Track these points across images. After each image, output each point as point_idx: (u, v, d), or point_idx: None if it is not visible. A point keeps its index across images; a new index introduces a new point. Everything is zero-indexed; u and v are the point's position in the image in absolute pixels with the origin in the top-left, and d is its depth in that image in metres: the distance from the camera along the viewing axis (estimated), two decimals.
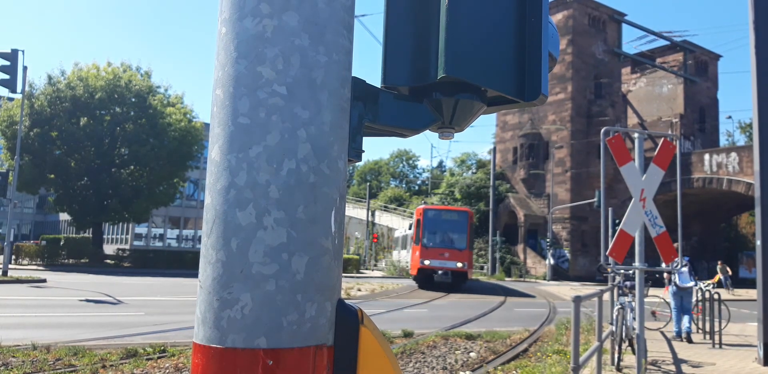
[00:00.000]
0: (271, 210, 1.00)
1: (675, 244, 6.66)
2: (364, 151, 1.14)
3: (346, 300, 1.12)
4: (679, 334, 10.51)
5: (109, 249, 36.66)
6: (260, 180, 1.00)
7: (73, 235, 37.92)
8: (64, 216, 44.08)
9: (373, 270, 44.10)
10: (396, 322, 11.76)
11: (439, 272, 23.27)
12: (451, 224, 24.65)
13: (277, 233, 1.00)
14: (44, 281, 19.75)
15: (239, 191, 1.00)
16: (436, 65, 1.13)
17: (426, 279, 23.95)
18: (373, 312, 13.44)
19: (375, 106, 1.18)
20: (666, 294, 11.41)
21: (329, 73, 1.05)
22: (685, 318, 10.48)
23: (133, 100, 31.34)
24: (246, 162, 1.01)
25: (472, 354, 8.11)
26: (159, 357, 7.36)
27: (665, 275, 10.79)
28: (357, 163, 1.26)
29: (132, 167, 31.72)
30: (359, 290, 21.55)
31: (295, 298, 1.01)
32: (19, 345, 7.64)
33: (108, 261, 33.43)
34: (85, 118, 29.48)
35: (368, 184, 61.74)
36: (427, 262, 23.55)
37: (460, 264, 23.62)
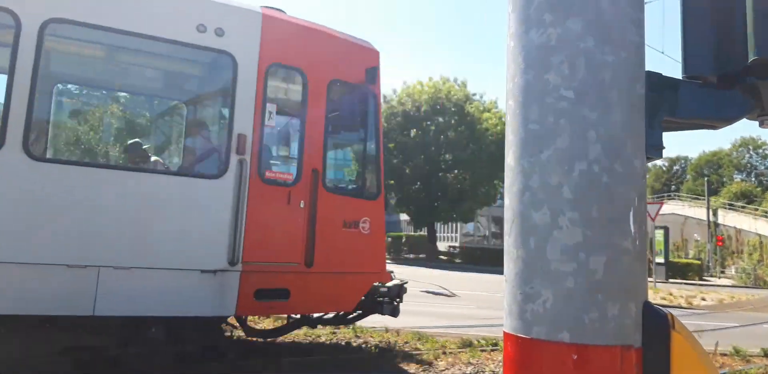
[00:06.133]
0: (565, 211, 1.04)
1: None
2: (665, 148, 1.09)
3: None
4: None
5: (441, 246, 40.49)
6: (552, 182, 1.05)
7: (412, 233, 43.03)
8: (403, 216, 50.27)
9: (719, 277, 38.36)
10: (751, 338, 10.04)
11: None
12: None
13: (572, 232, 1.03)
14: (391, 272, 22.85)
15: (533, 193, 1.07)
16: (742, 49, 1.00)
17: None
18: (722, 325, 11.74)
19: (674, 98, 1.11)
20: None
21: (617, 71, 1.04)
22: None
23: (453, 109, 34.17)
24: (538, 165, 1.07)
25: None
26: (492, 350, 7.80)
27: None
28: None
29: (456, 171, 34.59)
30: (703, 299, 18.96)
31: (596, 297, 1.02)
32: (374, 327, 9.04)
33: (441, 256, 37.05)
34: (414, 130, 33.42)
35: (706, 179, 53.79)
36: None
37: None
